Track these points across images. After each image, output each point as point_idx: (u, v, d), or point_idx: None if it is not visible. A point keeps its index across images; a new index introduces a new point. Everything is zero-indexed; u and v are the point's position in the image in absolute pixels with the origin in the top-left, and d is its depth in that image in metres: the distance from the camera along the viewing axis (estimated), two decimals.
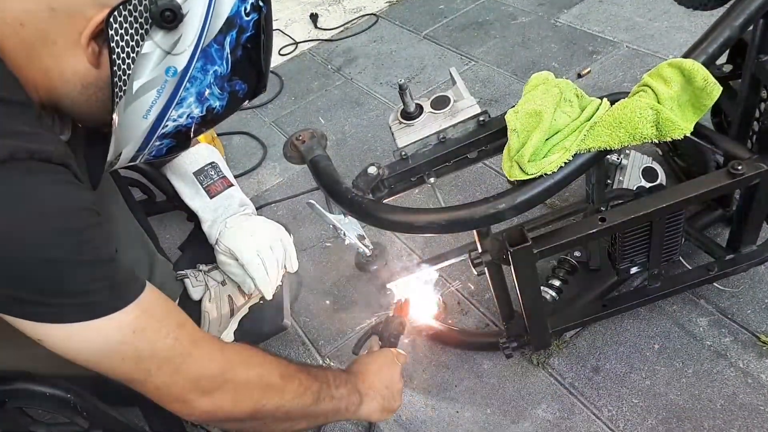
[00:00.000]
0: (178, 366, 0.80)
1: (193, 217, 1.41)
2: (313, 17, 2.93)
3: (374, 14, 2.85)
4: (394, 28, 2.74)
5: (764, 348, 1.28)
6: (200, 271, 1.39)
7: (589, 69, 2.14)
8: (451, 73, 1.22)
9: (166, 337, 0.79)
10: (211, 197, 1.39)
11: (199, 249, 1.43)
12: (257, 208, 1.51)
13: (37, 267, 0.66)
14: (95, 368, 0.77)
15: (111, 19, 0.70)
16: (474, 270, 1.11)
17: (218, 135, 2.18)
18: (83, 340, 0.72)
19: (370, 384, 1.07)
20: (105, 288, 0.72)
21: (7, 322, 0.95)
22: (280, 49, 2.75)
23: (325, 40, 2.79)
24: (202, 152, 1.44)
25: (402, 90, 1.13)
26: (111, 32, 0.71)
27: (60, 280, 0.68)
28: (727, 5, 1.11)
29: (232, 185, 1.42)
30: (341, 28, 2.84)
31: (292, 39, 2.82)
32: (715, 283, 1.37)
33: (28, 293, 0.67)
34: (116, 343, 0.74)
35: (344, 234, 1.32)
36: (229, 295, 1.36)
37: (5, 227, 0.63)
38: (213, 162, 1.43)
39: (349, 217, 1.29)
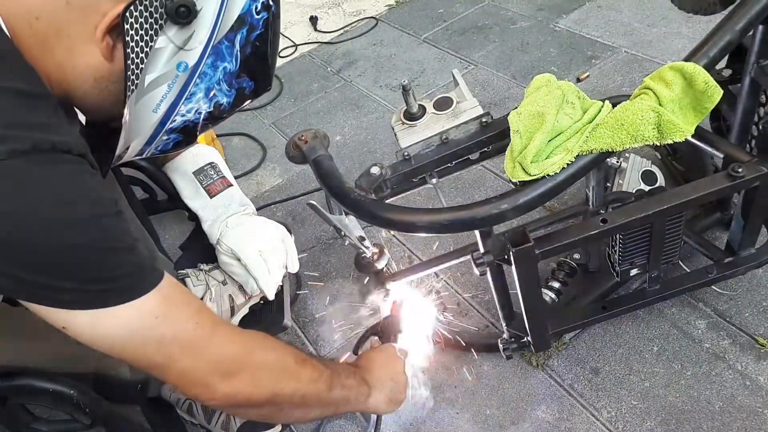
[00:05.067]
0: (199, 350, 0.81)
1: (193, 216, 1.41)
2: (313, 20, 2.94)
3: (374, 17, 2.86)
4: (393, 31, 2.76)
5: (762, 350, 1.29)
6: (201, 270, 1.39)
7: (587, 73, 2.15)
8: (453, 75, 1.23)
9: (187, 322, 0.80)
10: (211, 197, 1.39)
11: (200, 248, 1.42)
12: (257, 209, 1.51)
13: (62, 254, 0.67)
14: (118, 355, 0.79)
15: (127, 14, 0.71)
16: (476, 270, 1.11)
17: (218, 136, 2.18)
18: (107, 326, 0.74)
19: (377, 376, 1.09)
20: (128, 274, 0.74)
21: (11, 315, 0.96)
22: (280, 51, 2.76)
23: (325, 42, 2.80)
24: (202, 152, 1.44)
25: (405, 91, 1.13)
26: (126, 27, 0.71)
27: (85, 267, 0.69)
28: (727, 11, 1.13)
29: (231, 185, 1.42)
30: (341, 31, 2.85)
31: (292, 41, 2.82)
32: (713, 286, 1.38)
33: (54, 280, 0.68)
34: (139, 328, 0.76)
35: (345, 235, 1.32)
36: (230, 295, 1.36)
37: (32, 216, 0.64)
38: (212, 162, 1.43)
39: (350, 218, 1.29)
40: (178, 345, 0.79)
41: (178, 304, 0.80)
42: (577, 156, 1.00)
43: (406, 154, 1.15)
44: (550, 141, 1.01)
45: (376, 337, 1.27)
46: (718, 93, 1.00)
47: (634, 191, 1.42)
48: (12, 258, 0.65)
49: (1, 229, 0.63)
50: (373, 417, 1.32)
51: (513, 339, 1.30)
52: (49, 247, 0.66)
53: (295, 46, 2.80)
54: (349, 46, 2.73)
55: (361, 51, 2.67)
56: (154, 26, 0.73)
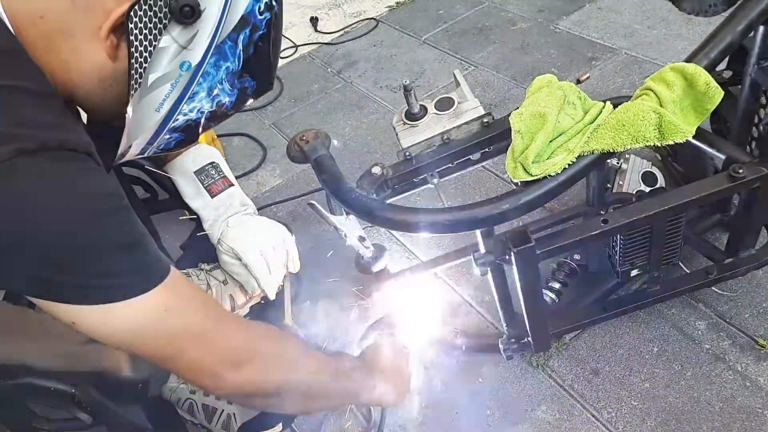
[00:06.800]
0: (208, 341, 0.82)
1: (194, 215, 1.41)
2: (313, 21, 2.94)
3: (374, 18, 2.87)
4: (393, 32, 2.76)
5: (762, 351, 1.29)
6: (202, 270, 1.39)
7: (588, 75, 2.14)
8: (455, 75, 1.24)
9: (195, 314, 0.81)
10: (212, 197, 1.39)
11: (201, 248, 1.43)
12: (257, 210, 1.51)
13: (71, 251, 0.68)
14: (127, 348, 0.80)
15: (131, 13, 0.71)
16: (477, 270, 1.11)
17: (218, 136, 2.18)
18: (117, 320, 0.74)
19: (382, 369, 1.10)
20: (138, 269, 0.75)
21: (12, 314, 0.96)
22: (280, 52, 2.75)
23: (325, 43, 2.80)
24: (203, 152, 1.44)
25: (407, 91, 1.14)
26: (131, 26, 0.72)
27: (94, 262, 0.70)
28: (728, 12, 1.13)
29: (232, 185, 1.43)
30: (341, 32, 2.85)
31: (292, 42, 2.82)
32: (713, 287, 1.38)
33: (64, 276, 0.69)
34: (149, 321, 0.77)
35: (345, 235, 1.32)
36: (231, 295, 1.36)
37: (41, 214, 0.65)
38: (213, 162, 1.43)
39: (351, 218, 1.29)
40: (187, 337, 0.80)
41: (186, 296, 0.81)
42: (579, 156, 1.01)
43: (407, 154, 1.16)
44: (551, 141, 1.01)
45: (381, 332, 1.27)
46: (719, 94, 1.01)
47: (634, 192, 1.43)
48: (21, 255, 0.66)
49: (10, 226, 0.64)
50: (375, 415, 1.33)
51: (513, 339, 1.30)
52: (58, 244, 0.67)
53: (296, 47, 2.80)
54: (349, 47, 2.73)
55: (361, 52, 2.68)
56: (158, 26, 0.73)
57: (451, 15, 2.75)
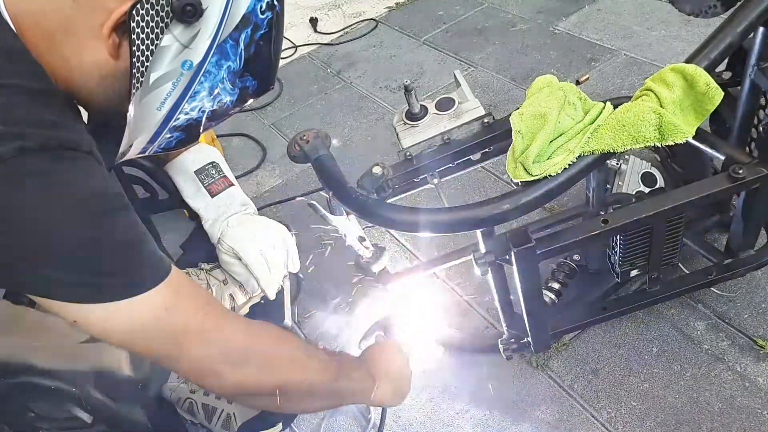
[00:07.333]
0: (209, 340, 0.83)
1: (194, 215, 1.41)
2: (313, 21, 2.94)
3: (374, 19, 2.87)
4: (393, 33, 2.76)
5: (761, 352, 1.29)
6: (202, 269, 1.39)
7: (587, 76, 2.14)
8: (455, 75, 1.24)
9: (196, 313, 0.82)
10: (212, 196, 1.39)
11: (201, 248, 1.42)
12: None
13: (73, 250, 0.69)
14: (129, 347, 0.81)
15: (133, 12, 0.71)
16: (477, 270, 1.11)
17: (218, 136, 2.18)
18: (119, 319, 0.75)
19: (382, 370, 1.10)
20: (139, 267, 0.75)
21: (13, 313, 0.96)
22: None
23: (325, 44, 2.80)
24: (203, 151, 1.44)
25: (407, 91, 1.14)
26: (132, 24, 0.72)
27: (96, 261, 0.71)
28: (727, 14, 1.14)
29: (232, 184, 1.42)
30: (341, 33, 2.85)
31: (292, 42, 2.82)
32: (712, 288, 1.38)
33: (66, 275, 0.70)
34: (150, 320, 0.77)
35: (345, 235, 1.32)
36: (231, 294, 1.36)
37: (44, 213, 0.66)
38: (214, 161, 1.43)
39: (351, 218, 1.29)
40: (188, 335, 0.81)
41: (187, 295, 0.82)
42: (579, 157, 1.01)
43: (407, 154, 1.16)
44: (551, 142, 1.01)
45: (381, 333, 1.27)
46: (719, 95, 1.01)
47: (633, 193, 1.43)
48: (23, 254, 0.66)
49: (12, 225, 0.64)
50: (374, 417, 1.33)
51: (513, 339, 1.30)
52: (59, 242, 0.67)
53: (295, 47, 2.81)
54: (348, 48, 2.73)
55: (360, 53, 2.68)
56: (160, 24, 0.74)
57: (450, 16, 2.76)
